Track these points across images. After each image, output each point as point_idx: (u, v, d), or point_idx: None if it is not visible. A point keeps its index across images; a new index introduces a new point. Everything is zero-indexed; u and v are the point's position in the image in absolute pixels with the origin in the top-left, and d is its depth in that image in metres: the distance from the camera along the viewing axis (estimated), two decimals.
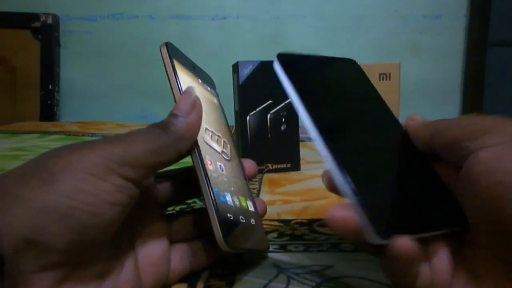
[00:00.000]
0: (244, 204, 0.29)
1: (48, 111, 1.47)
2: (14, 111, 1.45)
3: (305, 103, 0.26)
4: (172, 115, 0.25)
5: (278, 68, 0.28)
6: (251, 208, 0.30)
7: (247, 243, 0.27)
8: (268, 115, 0.62)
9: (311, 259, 0.31)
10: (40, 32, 1.46)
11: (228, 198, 0.27)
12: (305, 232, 0.37)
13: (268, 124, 0.62)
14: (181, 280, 0.27)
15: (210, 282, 0.27)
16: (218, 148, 0.30)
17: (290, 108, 0.62)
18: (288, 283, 0.27)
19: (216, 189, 0.26)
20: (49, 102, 1.47)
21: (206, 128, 0.29)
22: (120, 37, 1.51)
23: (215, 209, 0.25)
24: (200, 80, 0.33)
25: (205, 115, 0.28)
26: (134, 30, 1.50)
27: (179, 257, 0.28)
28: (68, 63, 1.52)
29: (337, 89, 0.30)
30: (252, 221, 0.29)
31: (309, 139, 0.97)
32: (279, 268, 0.29)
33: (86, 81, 1.53)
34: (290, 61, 0.29)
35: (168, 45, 0.28)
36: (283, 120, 0.62)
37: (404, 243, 0.20)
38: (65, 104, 1.53)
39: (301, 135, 0.65)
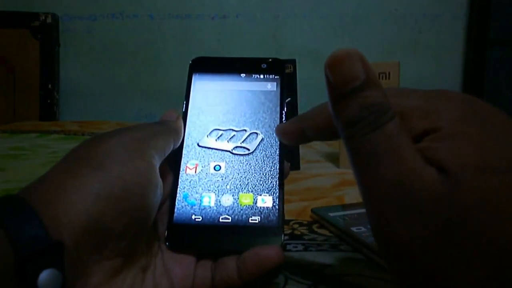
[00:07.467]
0: (246, 201, 0.28)
1: (48, 110, 1.47)
2: (14, 110, 1.45)
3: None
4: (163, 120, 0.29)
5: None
6: (263, 204, 0.28)
7: (208, 244, 0.26)
8: None
9: (310, 259, 0.31)
10: (39, 32, 1.46)
11: (207, 199, 0.28)
12: (305, 232, 0.37)
13: None
14: None
15: None
16: (226, 146, 0.30)
17: (290, 107, 0.62)
18: (286, 283, 0.27)
19: (185, 193, 0.28)
20: (49, 101, 1.47)
21: (214, 129, 0.30)
22: (120, 37, 1.51)
23: (169, 213, 0.27)
24: (226, 79, 0.32)
25: (219, 114, 0.31)
26: (134, 29, 1.50)
27: (203, 269, 0.26)
28: (68, 63, 1.52)
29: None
30: (255, 219, 0.27)
31: None
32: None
33: (86, 80, 1.53)
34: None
35: (193, 62, 0.32)
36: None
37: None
38: (65, 103, 1.53)
39: None
